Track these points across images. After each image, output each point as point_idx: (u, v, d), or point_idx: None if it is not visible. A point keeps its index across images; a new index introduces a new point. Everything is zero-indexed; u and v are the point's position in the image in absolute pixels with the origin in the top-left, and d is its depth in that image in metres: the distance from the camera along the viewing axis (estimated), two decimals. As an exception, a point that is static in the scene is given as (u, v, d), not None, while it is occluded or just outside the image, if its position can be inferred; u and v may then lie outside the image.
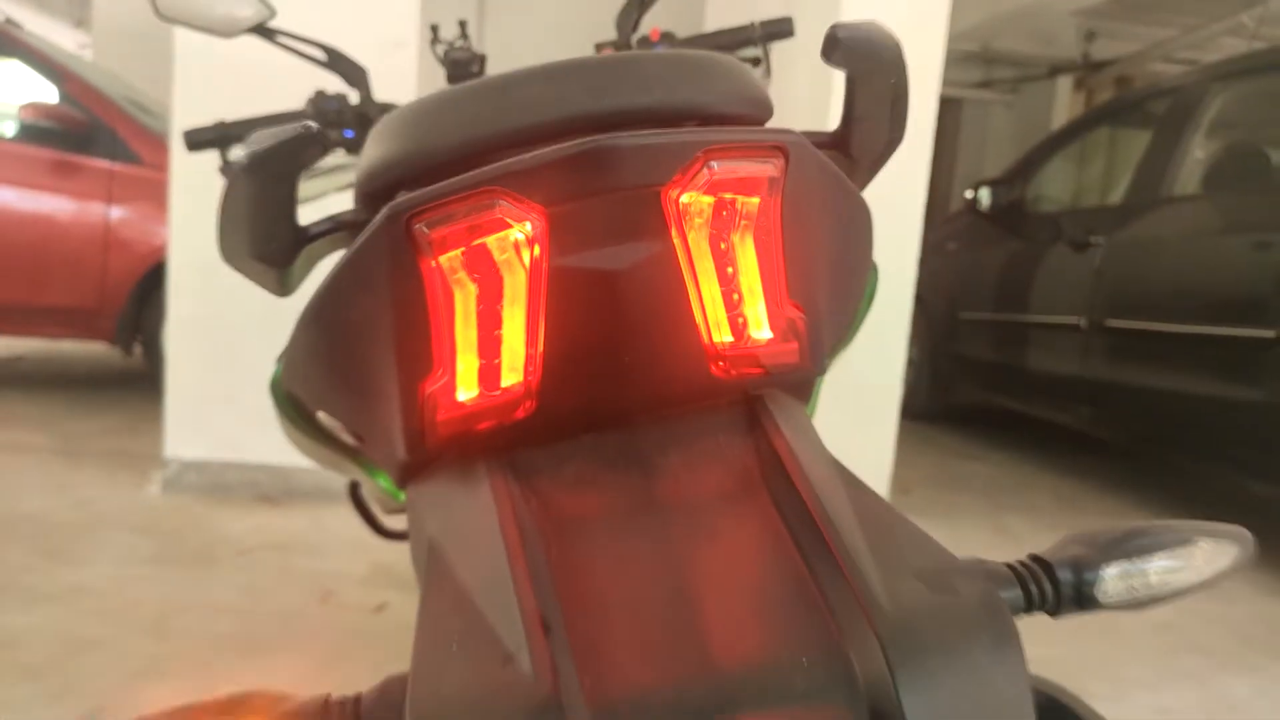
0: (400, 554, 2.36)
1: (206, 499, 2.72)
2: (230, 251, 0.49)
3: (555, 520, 0.42)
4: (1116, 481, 3.90)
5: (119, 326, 3.54)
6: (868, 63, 0.48)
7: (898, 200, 2.91)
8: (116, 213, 3.45)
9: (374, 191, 0.48)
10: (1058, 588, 0.42)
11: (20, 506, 2.53)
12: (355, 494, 1.18)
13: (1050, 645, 2.08)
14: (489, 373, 0.44)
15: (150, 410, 3.72)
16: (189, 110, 2.59)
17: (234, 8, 1.19)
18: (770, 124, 0.52)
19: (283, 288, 0.52)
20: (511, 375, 0.44)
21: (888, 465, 3.08)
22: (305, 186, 1.23)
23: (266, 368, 2.74)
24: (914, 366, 4.79)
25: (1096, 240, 3.48)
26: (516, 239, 0.42)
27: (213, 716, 0.43)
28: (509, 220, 0.41)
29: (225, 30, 1.20)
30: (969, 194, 4.32)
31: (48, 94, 3.61)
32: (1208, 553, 0.42)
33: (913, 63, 2.46)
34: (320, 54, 1.23)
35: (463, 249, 0.42)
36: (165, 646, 1.83)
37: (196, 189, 2.62)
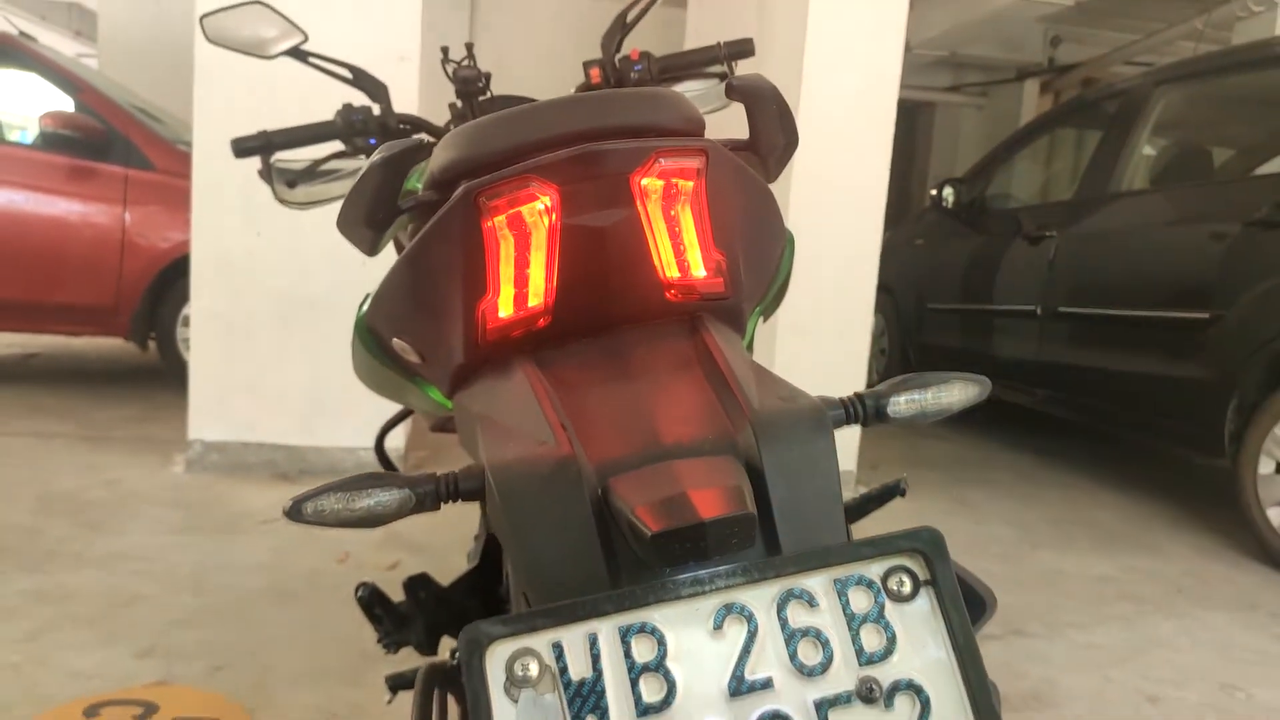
0: (411, 521, 2.58)
1: (228, 477, 2.94)
2: (349, 221, 0.73)
3: (565, 386, 0.67)
4: (1071, 458, 4.15)
5: (134, 323, 3.76)
6: (754, 97, 0.74)
7: (860, 195, 3.13)
8: (132, 216, 3.67)
9: (445, 180, 0.72)
10: (865, 409, 0.66)
11: (55, 486, 2.74)
12: (381, 450, 1.40)
13: (1001, 594, 2.32)
14: (520, 297, 0.69)
15: (166, 400, 3.94)
16: (208, 121, 2.79)
17: (270, 33, 1.38)
18: (708, 134, 0.77)
19: (373, 249, 0.76)
20: (535, 298, 0.68)
21: (854, 444, 3.32)
22: (313, 190, 1.42)
23: (282, 356, 2.94)
24: (884, 355, 5.04)
25: (1050, 234, 3.73)
26: (540, 208, 0.67)
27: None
28: (537, 195, 0.66)
29: (263, 52, 1.38)
30: (934, 192, 4.57)
31: (63, 105, 3.80)
32: (962, 387, 0.67)
33: (873, 71, 2.72)
34: (346, 73, 1.42)
35: (507, 215, 0.67)
36: (202, 599, 2.05)
37: (216, 193, 2.84)
